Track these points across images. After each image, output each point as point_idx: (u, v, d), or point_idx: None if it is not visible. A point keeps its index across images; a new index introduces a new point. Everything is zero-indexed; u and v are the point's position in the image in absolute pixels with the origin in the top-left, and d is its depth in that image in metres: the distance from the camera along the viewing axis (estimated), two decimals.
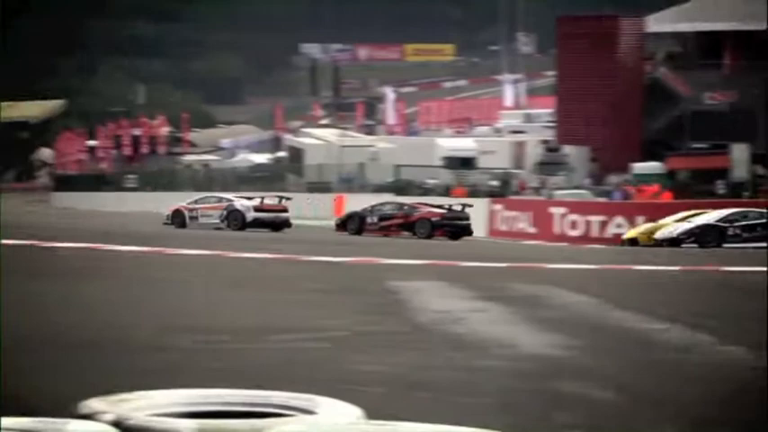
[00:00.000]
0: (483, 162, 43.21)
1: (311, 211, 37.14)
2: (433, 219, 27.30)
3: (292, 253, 17.16)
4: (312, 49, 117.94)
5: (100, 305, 9.70)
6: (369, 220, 27.88)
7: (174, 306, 9.77)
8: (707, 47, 44.03)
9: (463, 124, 65.10)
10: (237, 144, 75.71)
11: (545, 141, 44.39)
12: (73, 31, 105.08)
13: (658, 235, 25.54)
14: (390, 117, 68.52)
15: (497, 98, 75.27)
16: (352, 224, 28.04)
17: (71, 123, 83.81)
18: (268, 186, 47.21)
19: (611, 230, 29.59)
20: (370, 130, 66.34)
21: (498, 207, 33.75)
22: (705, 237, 24.79)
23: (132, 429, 3.14)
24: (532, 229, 31.58)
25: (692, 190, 35.84)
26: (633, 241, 26.78)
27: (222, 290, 11.50)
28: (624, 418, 5.43)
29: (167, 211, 30.50)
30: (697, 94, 43.46)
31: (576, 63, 43.32)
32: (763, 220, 25.13)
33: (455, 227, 27.30)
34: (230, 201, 29.65)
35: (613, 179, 39.46)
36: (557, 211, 31.67)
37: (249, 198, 29.94)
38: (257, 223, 28.51)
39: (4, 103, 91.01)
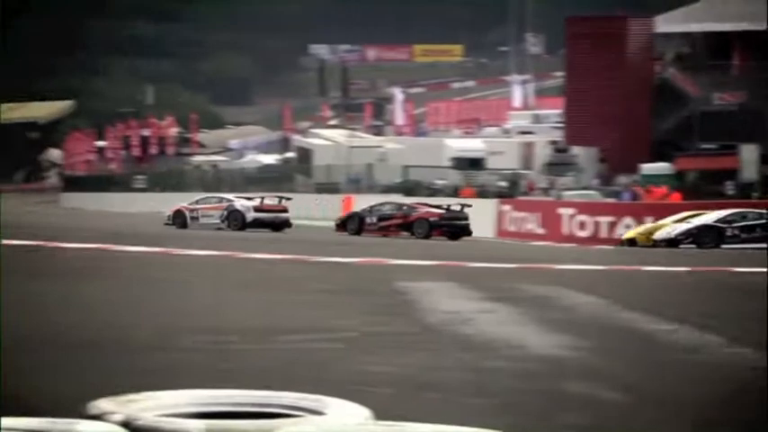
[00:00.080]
0: (491, 163, 43.21)
1: (320, 211, 37.21)
2: (431, 219, 27.41)
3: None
4: (321, 50, 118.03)
5: (118, 306, 9.71)
6: (368, 220, 28.01)
7: (181, 307, 9.78)
8: (716, 47, 43.98)
9: (472, 125, 65.08)
10: (246, 145, 75.80)
11: (554, 142, 44.37)
12: (78, 31, 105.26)
13: (657, 236, 25.55)
14: (399, 118, 68.53)
15: (506, 99, 75.23)
16: (352, 224, 28.18)
17: (80, 124, 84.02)
18: (276, 187, 47.25)
19: (619, 231, 29.54)
20: (378, 131, 66.38)
21: (507, 208, 33.72)
22: (703, 237, 24.79)
23: (141, 430, 3.15)
24: (541, 230, 31.55)
25: (702, 191, 35.78)
26: (632, 242, 26.81)
27: (229, 290, 11.51)
28: (632, 419, 5.42)
29: (169, 211, 30.65)
30: (706, 94, 43.42)
31: (585, 63, 43.29)
32: (763, 221, 25.13)
33: (453, 227, 27.37)
34: (230, 201, 29.76)
35: (622, 180, 39.41)
36: (565, 211, 31.64)
37: (249, 198, 30.10)
38: (257, 223, 28.64)
39: (13, 104, 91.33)
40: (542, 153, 43.43)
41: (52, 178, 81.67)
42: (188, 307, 9.74)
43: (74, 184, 66.41)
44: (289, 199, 30.37)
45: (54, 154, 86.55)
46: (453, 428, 3.23)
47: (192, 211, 29.65)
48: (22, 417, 3.21)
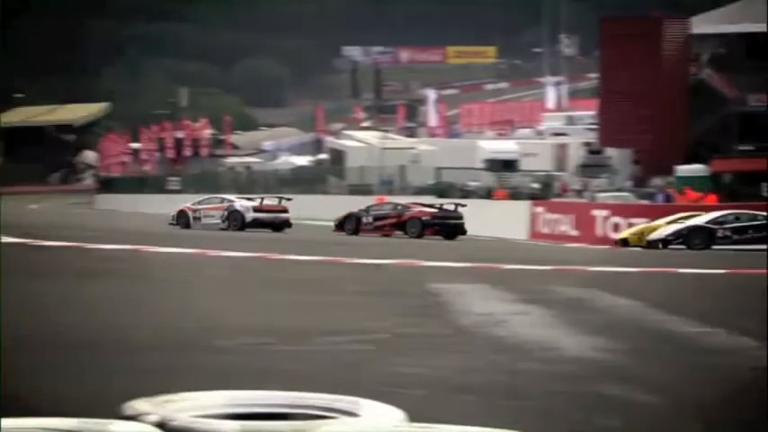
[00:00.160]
0: (525, 164, 43.06)
1: None
2: (423, 218, 27.69)
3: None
4: (353, 52, 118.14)
5: (150, 306, 9.77)
6: (364, 220, 28.33)
7: (213, 307, 9.81)
8: (753, 48, 43.60)
9: (505, 126, 64.90)
10: (279, 146, 75.99)
11: (587, 143, 44.16)
12: (111, 34, 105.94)
13: (650, 236, 25.50)
14: (432, 119, 68.46)
15: (539, 100, 74.97)
16: (350, 224, 28.47)
17: (115, 126, 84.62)
18: (309, 188, 47.43)
19: None
20: (411, 133, 66.34)
21: (540, 209, 33.59)
22: (693, 238, 24.70)
23: (176, 430, 3.16)
24: (575, 232, 31.41)
25: (737, 193, 35.49)
26: (624, 242, 26.79)
27: (262, 292, 11.55)
28: (666, 422, 5.39)
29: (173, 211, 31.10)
30: (742, 95, 43.06)
31: (620, 65, 43.05)
32: (755, 223, 25.02)
33: (445, 226, 27.60)
34: (231, 201, 30.15)
35: (657, 181, 39.16)
36: (599, 213, 31.47)
37: (249, 199, 30.48)
38: (256, 223, 29.00)
39: (49, 107, 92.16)
40: (576, 155, 43.23)
41: (87, 180, 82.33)
42: (225, 308, 9.77)
43: (109, 185, 66.85)
44: (289, 199, 30.76)
45: (89, 156, 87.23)
46: (486, 431, 3.23)
47: (194, 211, 30.09)
48: (53, 417, 3.23)
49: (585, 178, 40.44)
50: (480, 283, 12.88)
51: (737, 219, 25.31)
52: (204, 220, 29.47)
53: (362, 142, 51.09)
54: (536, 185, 39.74)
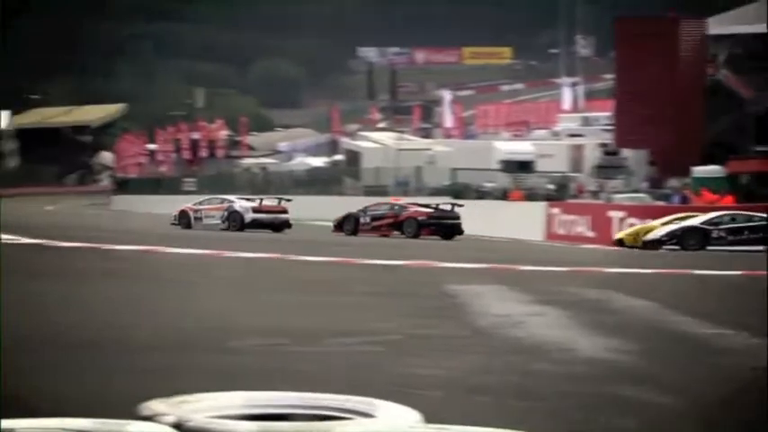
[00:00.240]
0: (541, 165, 42.99)
1: None
2: (419, 218, 28.05)
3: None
4: (369, 53, 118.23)
5: (172, 307, 9.79)
6: (362, 220, 28.62)
7: (226, 308, 9.83)
8: None
9: (521, 127, 64.82)
10: (295, 147, 76.09)
11: (603, 144, 44.03)
12: (127, 35, 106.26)
13: (646, 237, 25.47)
14: (447, 120, 68.46)
15: (555, 101, 74.87)
16: (348, 225, 28.78)
17: (131, 127, 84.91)
18: (325, 189, 47.49)
19: None
20: (426, 134, 66.31)
21: (556, 211, 33.53)
22: (688, 239, 24.68)
23: (192, 431, 3.16)
24: (591, 233, 31.34)
25: (755, 194, 35.32)
26: (620, 242, 26.76)
27: (279, 292, 11.56)
28: (682, 424, 5.37)
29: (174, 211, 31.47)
30: (759, 96, 42.87)
31: (636, 65, 42.92)
32: (751, 224, 24.99)
33: (441, 226, 27.93)
34: (231, 202, 30.44)
35: (673, 183, 39.03)
36: (615, 214, 31.39)
37: (249, 199, 30.81)
38: (255, 224, 29.30)
39: (66, 108, 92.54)
40: (592, 156, 43.12)
41: (104, 181, 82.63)
42: (240, 309, 9.79)
43: (125, 186, 67.04)
44: (288, 200, 31.03)
45: (106, 157, 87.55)
46: None
47: (195, 211, 30.44)
48: (70, 417, 3.23)
49: (601, 179, 40.33)
50: (497, 285, 12.86)
51: (733, 219, 25.28)
52: (205, 221, 29.81)
53: (378, 143, 51.09)
54: (552, 186, 39.67)
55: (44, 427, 3.17)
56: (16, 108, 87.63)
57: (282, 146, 77.51)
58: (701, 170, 38.93)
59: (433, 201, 32.13)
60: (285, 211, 29.99)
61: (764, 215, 25.52)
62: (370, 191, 44.32)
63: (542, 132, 56.88)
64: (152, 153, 76.49)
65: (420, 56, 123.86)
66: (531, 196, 37.62)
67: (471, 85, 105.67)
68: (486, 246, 25.76)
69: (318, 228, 31.57)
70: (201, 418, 3.20)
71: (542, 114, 71.52)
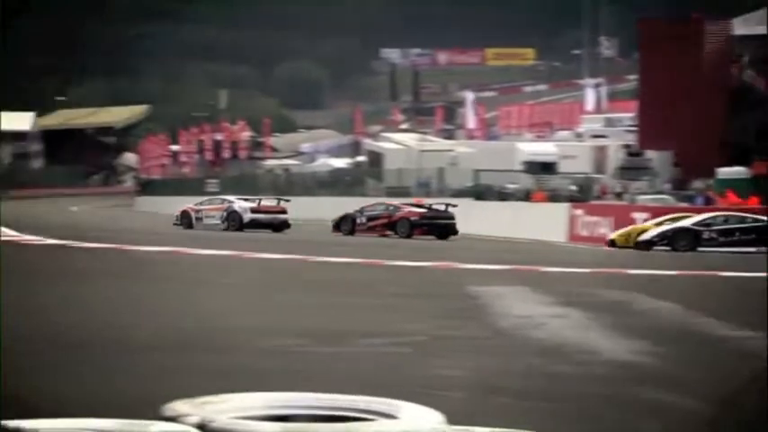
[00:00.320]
0: (564, 167, 42.87)
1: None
2: (412, 218, 28.43)
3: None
4: (392, 54, 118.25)
5: (206, 308, 9.83)
6: (358, 220, 28.95)
7: (249, 309, 9.86)
8: None
9: (544, 129, 64.69)
10: (317, 148, 76.20)
11: (627, 146, 43.88)
12: (152, 37, 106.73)
13: (639, 238, 25.40)
14: (470, 121, 68.35)
15: (579, 102, 74.65)
16: (345, 225, 29.15)
17: (154, 128, 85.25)
18: (348, 191, 47.50)
19: None
20: (449, 135, 66.27)
21: (579, 212, 33.42)
22: (679, 240, 24.63)
23: None
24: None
25: None
26: (612, 243, 26.69)
27: (300, 293, 11.59)
28: (706, 427, 5.35)
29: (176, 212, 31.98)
30: None
31: (660, 66, 42.73)
32: (743, 225, 24.89)
33: (434, 226, 28.27)
34: (231, 202, 30.89)
35: (697, 184, 38.84)
36: (639, 216, 31.25)
37: (248, 200, 31.26)
38: (254, 224, 29.70)
39: (91, 109, 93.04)
40: (615, 157, 42.98)
41: (128, 182, 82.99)
42: (262, 310, 9.81)
43: (148, 187, 67.29)
44: (287, 200, 31.46)
45: (129, 158, 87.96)
46: None
47: (197, 212, 30.88)
48: (91, 417, 3.25)
49: (625, 181, 40.19)
50: (520, 286, 12.84)
51: (727, 221, 25.21)
52: (206, 221, 30.30)
53: (400, 144, 51.09)
54: (575, 188, 39.55)
55: (67, 427, 3.18)
56: (40, 109, 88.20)
57: (305, 147, 77.63)
58: (725, 171, 38.72)
59: (454, 202, 32.14)
60: (284, 212, 30.45)
61: (758, 216, 25.43)
62: (393, 192, 44.31)
63: (565, 133, 56.75)
64: (175, 154, 76.76)
65: (443, 57, 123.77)
66: (554, 197, 37.53)
67: (494, 87, 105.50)
68: (507, 247, 25.72)
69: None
70: (225, 419, 3.22)
71: (565, 115, 71.32)
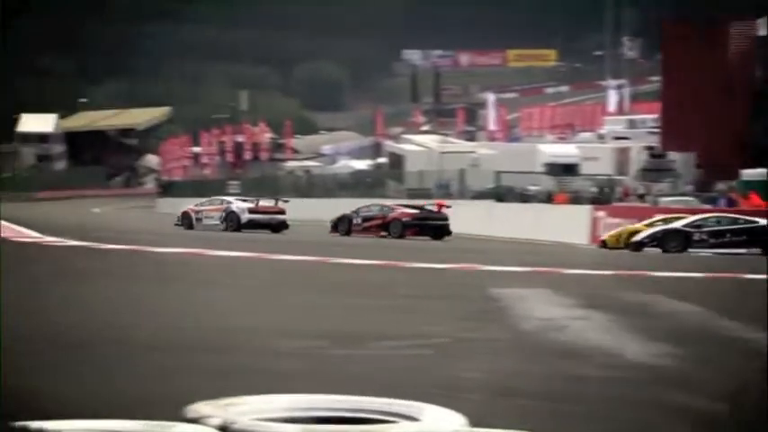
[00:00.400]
0: (586, 168, 42.78)
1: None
2: (404, 219, 28.75)
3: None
4: (413, 56, 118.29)
5: (224, 308, 9.86)
6: (354, 221, 29.35)
7: (266, 311, 9.87)
8: None
9: (566, 130, 64.57)
10: (338, 150, 76.31)
11: (649, 147, 43.74)
12: (175, 38, 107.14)
13: (633, 239, 25.31)
14: (491, 123, 68.31)
15: (601, 104, 74.50)
16: (342, 226, 29.53)
17: (176, 130, 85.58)
18: (368, 192, 47.54)
19: None
20: (470, 137, 66.27)
21: (601, 214, 33.32)
22: (669, 242, 24.57)
23: None
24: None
25: None
26: (603, 244, 26.67)
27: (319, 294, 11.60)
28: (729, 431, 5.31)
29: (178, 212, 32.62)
30: None
31: (683, 67, 42.57)
32: (734, 227, 24.83)
33: (426, 227, 28.60)
34: (229, 203, 31.31)
35: (720, 186, 38.66)
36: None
37: (246, 200, 31.75)
38: (252, 224, 30.04)
39: (112, 111, 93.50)
40: (638, 159, 42.85)
41: (149, 184, 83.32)
42: (282, 311, 9.82)
43: (170, 189, 67.52)
44: (286, 201, 31.87)
45: (151, 160, 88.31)
46: None
47: (197, 212, 31.30)
48: (128, 420, 3.26)
49: (647, 182, 40.06)
50: (542, 288, 12.81)
51: (718, 222, 25.15)
52: (205, 221, 30.73)
53: (422, 146, 51.12)
54: (597, 190, 39.45)
55: (89, 428, 3.19)
56: (63, 111, 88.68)
57: (326, 149, 77.76)
58: (749, 173, 38.52)
59: (473, 203, 32.28)
60: (282, 212, 30.78)
61: (749, 218, 25.33)
62: (414, 194, 44.33)
63: (587, 135, 56.67)
64: (196, 156, 77.02)
65: (464, 58, 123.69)
66: (576, 199, 37.44)
67: (515, 88, 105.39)
68: (529, 249, 25.67)
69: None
70: (247, 421, 3.22)
71: (587, 117, 71.15)
